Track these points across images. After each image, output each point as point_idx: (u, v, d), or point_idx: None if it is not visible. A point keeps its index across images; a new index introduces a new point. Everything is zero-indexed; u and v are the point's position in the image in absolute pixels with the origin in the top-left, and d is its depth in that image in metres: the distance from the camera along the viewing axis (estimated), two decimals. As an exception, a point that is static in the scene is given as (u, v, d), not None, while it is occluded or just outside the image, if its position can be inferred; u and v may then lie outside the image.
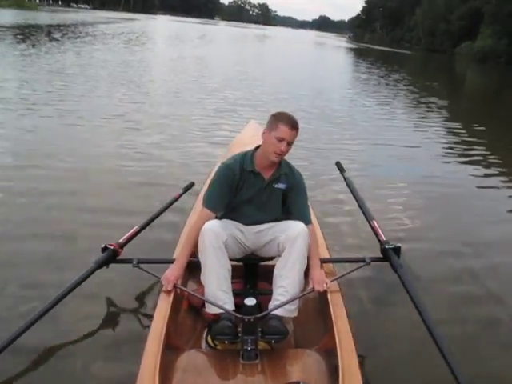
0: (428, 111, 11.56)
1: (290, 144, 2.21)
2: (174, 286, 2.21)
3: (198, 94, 10.23)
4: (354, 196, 3.04)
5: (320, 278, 2.21)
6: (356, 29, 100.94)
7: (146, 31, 35.50)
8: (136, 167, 5.18)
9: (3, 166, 4.90)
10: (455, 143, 8.24)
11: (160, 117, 7.74)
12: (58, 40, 20.09)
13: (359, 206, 2.92)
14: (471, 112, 13.23)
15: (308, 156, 6.17)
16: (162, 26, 53.53)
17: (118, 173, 4.97)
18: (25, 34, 21.91)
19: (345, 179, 3.28)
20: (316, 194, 4.68)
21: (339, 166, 3.47)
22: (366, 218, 2.74)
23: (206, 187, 2.64)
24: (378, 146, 7.44)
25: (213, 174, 2.42)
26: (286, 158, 2.31)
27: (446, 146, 8.01)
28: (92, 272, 2.35)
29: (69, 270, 2.82)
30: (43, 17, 39.91)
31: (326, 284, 2.19)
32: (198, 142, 6.40)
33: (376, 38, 77.54)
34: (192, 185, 3.64)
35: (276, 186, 2.31)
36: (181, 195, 3.44)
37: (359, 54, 38.33)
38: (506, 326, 2.88)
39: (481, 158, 7.24)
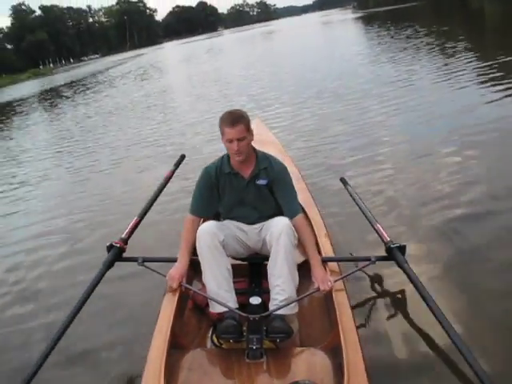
0: (453, 59, 10.43)
1: (240, 140, 2.17)
2: (180, 285, 2.22)
3: (205, 114, 9.65)
4: (359, 206, 2.99)
5: (323, 277, 2.16)
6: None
7: (154, 63, 35.76)
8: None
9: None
10: (495, 84, 7.27)
11: (167, 148, 7.41)
12: (69, 97, 20.59)
13: (363, 213, 2.88)
14: (500, 45, 11.91)
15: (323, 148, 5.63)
16: (169, 52, 54.16)
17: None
18: (40, 100, 22.83)
19: (349, 193, 3.23)
20: (323, 193, 4.26)
21: (343, 180, 3.44)
22: (371, 223, 2.74)
23: None
24: (403, 115, 6.70)
25: None
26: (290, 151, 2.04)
27: (486, 90, 7.09)
28: (103, 274, 2.36)
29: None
30: (57, 79, 41.64)
31: (331, 282, 2.15)
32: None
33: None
34: (183, 158, 3.47)
35: (258, 182, 2.29)
36: (173, 172, 3.28)
37: (366, 21, 36.78)
38: None
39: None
